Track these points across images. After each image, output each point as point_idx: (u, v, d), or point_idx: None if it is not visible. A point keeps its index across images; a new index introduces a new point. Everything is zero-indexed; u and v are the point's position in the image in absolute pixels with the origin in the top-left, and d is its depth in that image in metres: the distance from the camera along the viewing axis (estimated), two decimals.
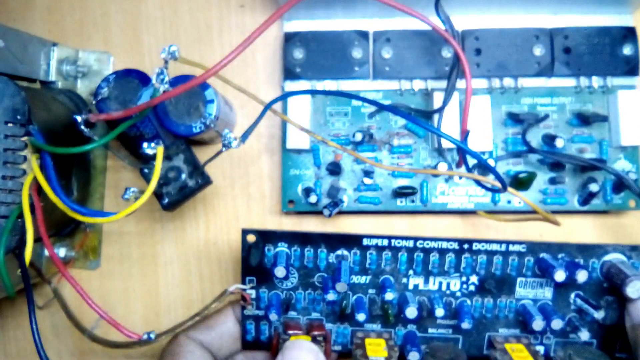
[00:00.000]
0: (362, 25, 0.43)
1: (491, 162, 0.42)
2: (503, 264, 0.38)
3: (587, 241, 0.40)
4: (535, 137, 0.42)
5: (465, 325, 0.37)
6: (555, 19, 0.43)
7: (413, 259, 0.38)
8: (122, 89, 0.39)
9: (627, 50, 0.42)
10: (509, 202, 0.43)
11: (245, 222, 0.45)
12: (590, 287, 0.38)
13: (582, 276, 0.36)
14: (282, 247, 0.38)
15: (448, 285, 0.38)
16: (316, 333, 0.37)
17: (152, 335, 0.35)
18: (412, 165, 0.43)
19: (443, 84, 0.41)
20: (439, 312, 0.37)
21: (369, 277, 0.38)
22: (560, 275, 0.36)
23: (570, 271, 0.36)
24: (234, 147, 0.35)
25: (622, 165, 0.42)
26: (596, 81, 0.42)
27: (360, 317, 0.37)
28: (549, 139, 0.41)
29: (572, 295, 0.38)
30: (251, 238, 0.38)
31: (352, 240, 0.38)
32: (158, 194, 0.37)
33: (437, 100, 0.41)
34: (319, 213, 0.43)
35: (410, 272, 0.38)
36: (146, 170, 0.36)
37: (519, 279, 0.38)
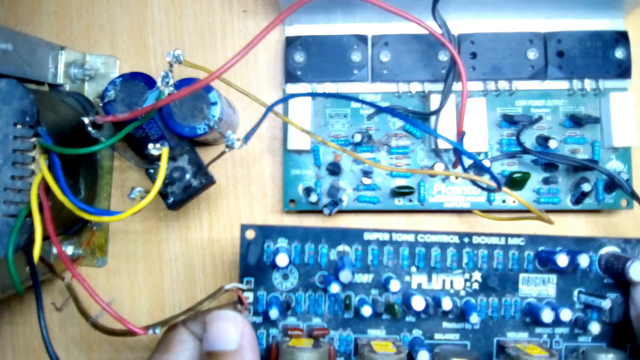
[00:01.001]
0: (361, 29, 0.44)
1: (486, 163, 0.43)
2: (504, 258, 0.38)
3: None
4: (529, 139, 0.43)
5: (474, 319, 0.36)
6: (548, 23, 0.43)
7: (415, 253, 0.38)
8: (128, 91, 0.39)
9: (619, 53, 0.42)
10: (503, 201, 0.43)
11: (248, 220, 0.45)
12: (592, 284, 0.38)
13: (584, 260, 0.36)
14: (282, 243, 0.37)
15: (452, 283, 0.38)
16: (319, 332, 0.37)
17: (157, 331, 0.34)
18: (409, 165, 0.43)
19: (440, 86, 0.41)
20: (447, 303, 0.36)
21: (371, 276, 0.38)
22: (562, 260, 0.35)
23: (572, 257, 0.36)
24: (236, 147, 0.35)
25: (613, 165, 0.43)
26: (589, 84, 0.42)
27: (366, 310, 0.36)
28: (543, 140, 0.42)
29: (576, 293, 0.38)
30: (250, 234, 0.37)
31: (353, 235, 0.37)
32: (163, 194, 0.37)
33: (434, 102, 0.42)
34: (319, 212, 0.44)
35: (413, 268, 0.38)
36: (151, 171, 0.37)
37: (521, 275, 0.38)
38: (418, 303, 0.36)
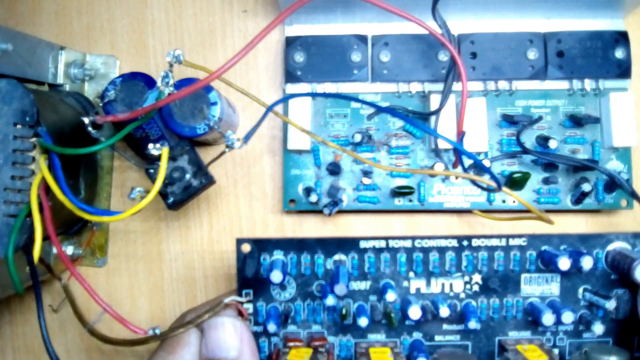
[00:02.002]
0: (361, 29, 0.44)
1: (486, 163, 0.43)
2: (505, 259, 0.37)
3: None
4: (529, 139, 0.43)
5: (473, 324, 0.35)
6: (548, 23, 0.43)
7: (412, 259, 0.37)
8: (128, 91, 0.39)
9: (619, 53, 0.42)
10: (503, 201, 0.43)
11: (248, 220, 0.45)
12: (597, 281, 0.37)
13: (587, 263, 0.34)
14: (278, 255, 0.37)
15: (451, 286, 0.37)
16: (317, 343, 0.36)
17: (157, 331, 0.34)
18: (409, 165, 0.43)
19: (440, 86, 0.41)
20: (444, 311, 0.35)
21: (369, 283, 0.37)
22: (564, 263, 0.34)
23: (575, 259, 0.35)
24: (236, 147, 0.35)
25: (613, 165, 0.43)
26: (589, 84, 0.42)
27: (363, 321, 0.35)
28: (543, 140, 0.42)
29: (581, 290, 0.37)
30: (246, 248, 0.36)
31: (349, 244, 0.37)
32: (163, 194, 0.37)
33: (434, 102, 0.42)
34: (319, 212, 0.44)
35: (411, 274, 0.37)
36: (151, 171, 0.37)
37: (523, 275, 0.37)
38: (415, 313, 0.35)
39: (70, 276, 0.41)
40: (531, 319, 0.37)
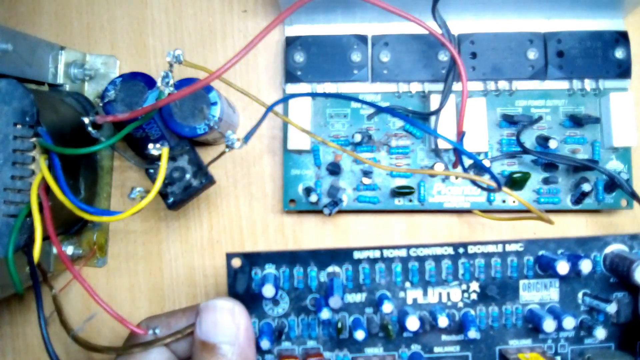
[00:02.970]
0: (361, 29, 0.44)
1: (486, 163, 0.43)
2: (502, 266, 0.36)
3: None
4: (529, 139, 0.43)
5: (472, 334, 0.35)
6: (548, 23, 0.43)
7: (408, 268, 0.36)
8: (128, 91, 0.39)
9: (619, 53, 0.42)
10: (503, 201, 0.43)
11: (248, 220, 0.45)
12: (597, 285, 0.36)
13: (586, 266, 0.34)
14: (270, 269, 0.36)
15: (448, 295, 0.36)
16: (314, 359, 0.35)
17: (157, 331, 0.34)
18: (409, 165, 0.43)
19: (440, 86, 0.42)
20: (443, 321, 0.34)
21: (364, 295, 0.36)
22: (563, 267, 0.34)
23: (573, 262, 0.34)
24: (236, 148, 0.35)
25: (613, 165, 0.43)
26: (588, 84, 0.42)
27: (359, 335, 0.34)
28: (543, 140, 0.42)
29: (580, 295, 0.36)
30: (237, 262, 0.35)
31: (342, 255, 0.36)
32: (163, 194, 0.37)
33: (434, 102, 0.42)
34: (319, 212, 0.44)
35: (407, 283, 0.36)
36: (151, 171, 0.37)
37: (521, 282, 0.36)
38: (412, 324, 0.34)
39: (63, 287, 0.41)
40: (531, 326, 0.36)
